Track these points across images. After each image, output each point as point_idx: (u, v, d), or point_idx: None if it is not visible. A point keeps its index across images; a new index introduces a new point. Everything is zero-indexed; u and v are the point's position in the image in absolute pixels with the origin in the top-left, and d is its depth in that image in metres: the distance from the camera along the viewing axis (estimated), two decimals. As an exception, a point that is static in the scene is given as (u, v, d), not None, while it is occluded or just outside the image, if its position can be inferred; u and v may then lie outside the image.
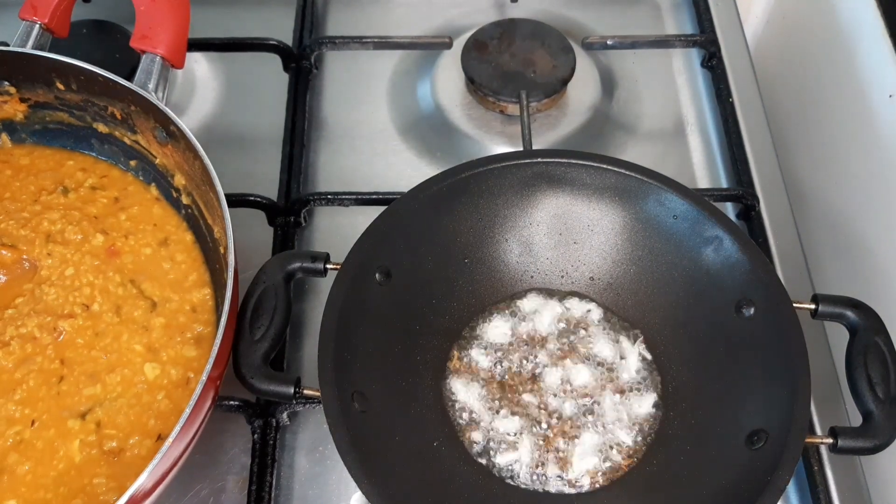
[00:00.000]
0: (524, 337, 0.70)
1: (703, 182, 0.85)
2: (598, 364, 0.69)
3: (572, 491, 0.63)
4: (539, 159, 0.71)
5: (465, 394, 0.68)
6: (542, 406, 0.67)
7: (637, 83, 0.92)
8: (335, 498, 0.66)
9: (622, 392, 0.67)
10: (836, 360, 0.71)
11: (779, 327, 0.62)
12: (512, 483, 0.64)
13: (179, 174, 0.69)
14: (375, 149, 0.86)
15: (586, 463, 0.64)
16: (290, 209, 0.79)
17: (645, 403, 0.67)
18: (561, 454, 0.65)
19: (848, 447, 0.59)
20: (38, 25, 0.70)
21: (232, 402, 0.67)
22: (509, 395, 0.67)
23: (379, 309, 0.66)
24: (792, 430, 0.58)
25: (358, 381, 0.62)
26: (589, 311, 0.72)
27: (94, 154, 0.74)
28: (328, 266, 0.65)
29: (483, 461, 0.65)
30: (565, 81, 0.86)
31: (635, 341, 0.70)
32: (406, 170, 0.84)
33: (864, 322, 0.63)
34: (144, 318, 0.64)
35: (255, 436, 0.67)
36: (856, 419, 0.62)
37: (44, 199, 0.70)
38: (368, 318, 0.65)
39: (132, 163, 0.72)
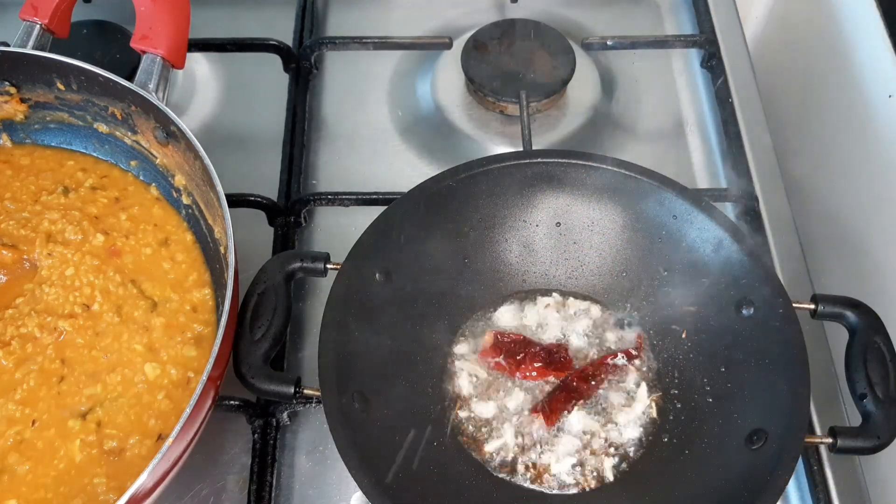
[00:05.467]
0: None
1: (702, 182, 0.85)
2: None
3: (572, 490, 0.64)
4: (539, 159, 0.71)
5: (465, 393, 0.68)
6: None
7: (637, 83, 0.92)
8: (335, 498, 0.67)
9: (623, 392, 0.67)
10: (835, 360, 0.71)
11: (779, 327, 0.62)
12: (512, 482, 0.64)
13: (180, 174, 0.69)
14: (375, 149, 0.86)
15: (587, 462, 0.64)
16: (290, 209, 0.79)
17: (645, 403, 0.67)
18: (562, 454, 0.65)
19: (847, 447, 0.59)
20: (38, 26, 0.70)
21: (232, 402, 0.67)
22: (509, 395, 0.67)
23: (379, 308, 0.66)
24: (791, 430, 0.58)
25: (358, 380, 0.62)
26: (589, 311, 0.72)
27: (94, 154, 0.74)
28: (328, 266, 0.65)
29: (483, 461, 0.65)
30: (565, 82, 0.86)
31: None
32: (406, 170, 0.85)
33: (864, 322, 0.63)
34: (145, 318, 0.64)
35: (256, 435, 0.67)
36: (855, 419, 0.62)
37: (44, 199, 0.70)
38: (369, 318, 0.65)
39: (132, 163, 0.73)
